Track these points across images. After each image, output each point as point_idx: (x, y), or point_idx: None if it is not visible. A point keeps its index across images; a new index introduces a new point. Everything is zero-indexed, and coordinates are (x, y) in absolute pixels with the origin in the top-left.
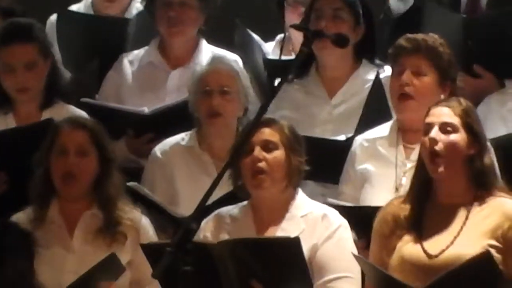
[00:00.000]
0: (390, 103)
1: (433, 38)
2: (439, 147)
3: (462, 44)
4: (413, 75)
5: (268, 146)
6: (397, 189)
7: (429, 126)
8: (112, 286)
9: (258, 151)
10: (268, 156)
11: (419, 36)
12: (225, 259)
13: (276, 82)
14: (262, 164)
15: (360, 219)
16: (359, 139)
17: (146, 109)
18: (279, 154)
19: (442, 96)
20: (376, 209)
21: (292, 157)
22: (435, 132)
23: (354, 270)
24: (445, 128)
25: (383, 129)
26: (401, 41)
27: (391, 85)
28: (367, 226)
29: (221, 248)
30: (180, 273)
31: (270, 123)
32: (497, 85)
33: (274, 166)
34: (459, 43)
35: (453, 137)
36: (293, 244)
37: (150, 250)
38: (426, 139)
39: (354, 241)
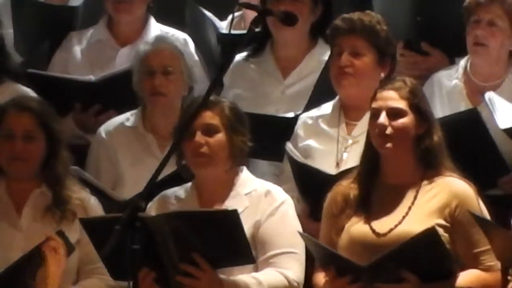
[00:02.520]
0: None
1: (369, 16)
2: (388, 131)
3: (412, 21)
4: (352, 55)
5: (209, 130)
6: (338, 164)
7: (377, 111)
8: (62, 263)
9: (199, 136)
10: (210, 139)
11: (355, 15)
12: (164, 232)
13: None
14: (203, 149)
15: (311, 180)
16: (303, 117)
17: (92, 78)
18: (220, 137)
19: (382, 74)
20: (326, 175)
21: (234, 138)
22: (383, 118)
23: (297, 246)
24: (393, 113)
25: (326, 107)
26: (337, 22)
27: (331, 66)
28: (316, 190)
29: (159, 221)
30: (129, 251)
31: (211, 105)
32: (447, 62)
33: (216, 149)
34: (409, 20)
35: (401, 121)
36: (231, 216)
37: (89, 225)
38: (375, 124)
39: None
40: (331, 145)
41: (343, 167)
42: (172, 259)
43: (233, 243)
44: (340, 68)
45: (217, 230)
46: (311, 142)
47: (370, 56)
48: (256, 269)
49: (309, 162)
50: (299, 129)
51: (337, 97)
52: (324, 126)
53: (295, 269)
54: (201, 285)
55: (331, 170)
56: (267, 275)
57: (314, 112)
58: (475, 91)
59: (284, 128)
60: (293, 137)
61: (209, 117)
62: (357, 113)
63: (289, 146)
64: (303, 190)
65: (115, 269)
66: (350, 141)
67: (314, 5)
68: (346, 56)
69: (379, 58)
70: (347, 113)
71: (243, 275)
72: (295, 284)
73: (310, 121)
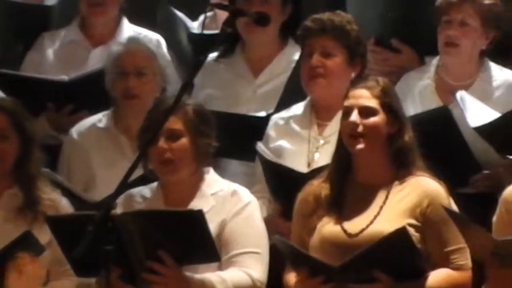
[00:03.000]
0: None
1: (339, 16)
2: (360, 129)
3: (383, 17)
4: (322, 56)
5: (172, 135)
6: (309, 164)
7: (349, 109)
8: (35, 263)
9: (162, 142)
10: (173, 145)
11: (325, 16)
12: (130, 230)
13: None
14: (167, 155)
15: (283, 179)
16: (275, 118)
17: (65, 77)
18: (183, 141)
19: (353, 74)
20: (298, 174)
21: (198, 141)
22: (355, 116)
23: (261, 247)
24: (364, 111)
25: (298, 108)
26: (308, 22)
27: (302, 67)
28: (287, 189)
29: (126, 219)
30: (102, 252)
31: (175, 110)
32: (417, 60)
33: (180, 154)
34: (381, 16)
35: (373, 119)
36: (196, 216)
37: (55, 222)
38: (346, 122)
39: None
40: (303, 145)
41: (314, 167)
42: (138, 256)
43: (198, 242)
44: (311, 68)
45: (183, 229)
46: (283, 143)
47: (340, 56)
48: (221, 268)
49: (281, 162)
50: (270, 130)
51: (308, 98)
52: (295, 126)
53: (258, 269)
54: (166, 282)
55: (303, 170)
56: (232, 273)
57: (285, 112)
58: (447, 90)
59: (256, 128)
60: (264, 138)
61: (172, 122)
62: (328, 113)
63: (260, 146)
64: (275, 190)
65: (79, 266)
66: (321, 142)
67: (284, 5)
68: (317, 56)
69: (350, 58)
70: (318, 113)
71: (208, 273)
72: (259, 284)
73: (281, 122)
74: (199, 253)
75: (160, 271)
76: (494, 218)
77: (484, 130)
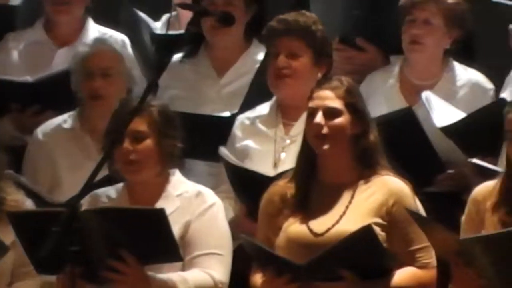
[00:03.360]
0: None
1: (305, 17)
2: (324, 131)
3: (348, 15)
4: (288, 57)
5: (136, 137)
6: (275, 164)
7: (313, 111)
8: None
9: (127, 143)
10: (138, 147)
11: (291, 16)
12: (92, 228)
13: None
14: (132, 157)
15: (248, 182)
16: (241, 118)
17: (29, 78)
18: (148, 143)
19: (319, 74)
20: (263, 177)
21: (163, 142)
22: (319, 118)
23: (224, 248)
24: (329, 112)
25: (264, 108)
26: (273, 23)
27: (268, 67)
28: (253, 191)
29: (87, 217)
30: (67, 252)
31: (139, 111)
32: (382, 59)
33: (144, 156)
34: (346, 14)
35: (338, 120)
36: (158, 214)
37: (15, 219)
38: (311, 124)
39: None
40: (269, 145)
41: (281, 167)
42: (99, 254)
43: (160, 241)
44: (277, 69)
45: (144, 227)
46: (249, 143)
47: (306, 56)
48: (184, 268)
49: (247, 162)
50: (236, 130)
51: (274, 98)
52: (261, 126)
53: (220, 270)
54: (128, 281)
55: (269, 170)
56: (194, 274)
57: (251, 112)
58: (412, 90)
59: (221, 128)
60: (230, 138)
61: (137, 123)
62: (295, 113)
63: (223, 150)
64: (240, 192)
65: (41, 264)
66: (287, 141)
67: (247, 5)
68: (282, 57)
69: (316, 58)
70: (285, 113)
71: (170, 273)
72: (220, 285)
73: (247, 122)
74: (161, 252)
75: (121, 270)
76: (463, 218)
77: (450, 130)
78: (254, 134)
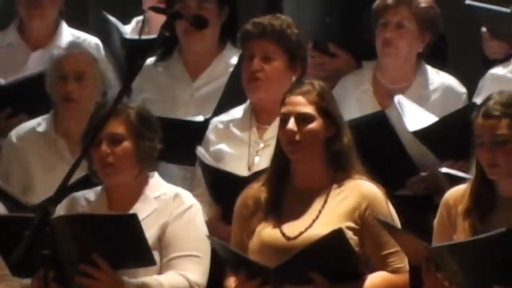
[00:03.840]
0: None
1: (280, 20)
2: (297, 137)
3: (320, 21)
4: (263, 60)
5: (114, 139)
6: (249, 168)
7: (286, 116)
8: None
9: (104, 146)
10: (115, 149)
11: (266, 19)
12: (64, 233)
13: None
14: (109, 159)
15: (223, 184)
16: (215, 121)
17: (2, 81)
18: (125, 145)
19: (294, 78)
20: (238, 178)
21: (141, 144)
22: (292, 124)
23: (201, 250)
24: (301, 118)
25: (237, 111)
26: (248, 26)
27: (242, 70)
28: (228, 194)
29: (59, 222)
30: (39, 257)
31: (117, 113)
32: (353, 65)
33: (121, 158)
34: (318, 20)
35: (310, 126)
36: (130, 220)
37: None
38: (284, 130)
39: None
40: (243, 149)
41: (254, 171)
42: (72, 259)
43: (133, 246)
44: (251, 73)
45: (117, 233)
46: (223, 147)
47: (280, 60)
48: (161, 271)
49: (221, 166)
50: (210, 133)
51: (248, 101)
52: (235, 130)
53: (197, 272)
54: (100, 285)
55: (243, 174)
56: (169, 277)
57: (225, 116)
58: (384, 94)
59: (195, 132)
60: (204, 142)
61: (115, 125)
62: (268, 116)
63: (200, 150)
64: (215, 194)
65: (15, 267)
66: (261, 145)
67: (220, 8)
68: (257, 61)
69: (290, 61)
70: (258, 117)
71: (145, 277)
72: (196, 287)
73: (221, 126)
74: (134, 257)
75: (94, 274)
76: (435, 221)
77: (422, 134)
78: (228, 138)
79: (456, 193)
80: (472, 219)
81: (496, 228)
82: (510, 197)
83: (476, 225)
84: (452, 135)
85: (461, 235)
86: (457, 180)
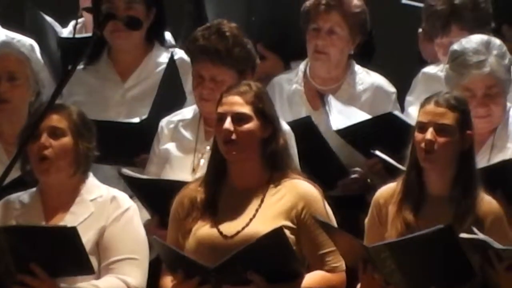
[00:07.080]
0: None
1: (225, 40)
2: (233, 137)
3: (247, 22)
4: (211, 82)
5: (55, 132)
6: (194, 170)
7: (222, 116)
8: None
9: (44, 138)
10: (55, 142)
11: (212, 41)
12: (1, 244)
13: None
14: (48, 152)
15: (157, 193)
16: (165, 120)
17: None
18: (66, 140)
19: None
20: (172, 183)
21: (80, 143)
22: (228, 123)
23: (139, 252)
24: (238, 118)
25: (188, 112)
26: (195, 45)
27: (193, 88)
28: (163, 201)
29: None
30: None
31: (59, 109)
32: (281, 66)
33: (60, 153)
34: (244, 21)
35: (246, 126)
36: (70, 233)
37: None
38: (220, 129)
39: (146, 223)
40: (189, 150)
41: (199, 173)
42: (9, 268)
43: (72, 256)
44: (201, 94)
45: (56, 244)
46: (170, 147)
47: (229, 79)
48: (99, 275)
49: (167, 167)
50: (160, 132)
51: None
52: (183, 131)
53: (135, 276)
54: None
55: (187, 176)
56: (107, 282)
57: (175, 116)
58: (315, 94)
59: (131, 134)
60: (155, 139)
61: (56, 120)
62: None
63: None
64: (150, 204)
65: None
66: (207, 148)
67: (148, 9)
68: (207, 83)
69: (239, 76)
70: (207, 119)
71: (83, 283)
72: None
73: (171, 125)
74: (73, 266)
75: (31, 284)
76: (366, 220)
77: (345, 133)
78: (176, 138)
79: (386, 191)
80: (405, 213)
81: (428, 224)
82: (439, 195)
83: (408, 218)
84: (374, 135)
85: (393, 232)
86: (391, 169)
